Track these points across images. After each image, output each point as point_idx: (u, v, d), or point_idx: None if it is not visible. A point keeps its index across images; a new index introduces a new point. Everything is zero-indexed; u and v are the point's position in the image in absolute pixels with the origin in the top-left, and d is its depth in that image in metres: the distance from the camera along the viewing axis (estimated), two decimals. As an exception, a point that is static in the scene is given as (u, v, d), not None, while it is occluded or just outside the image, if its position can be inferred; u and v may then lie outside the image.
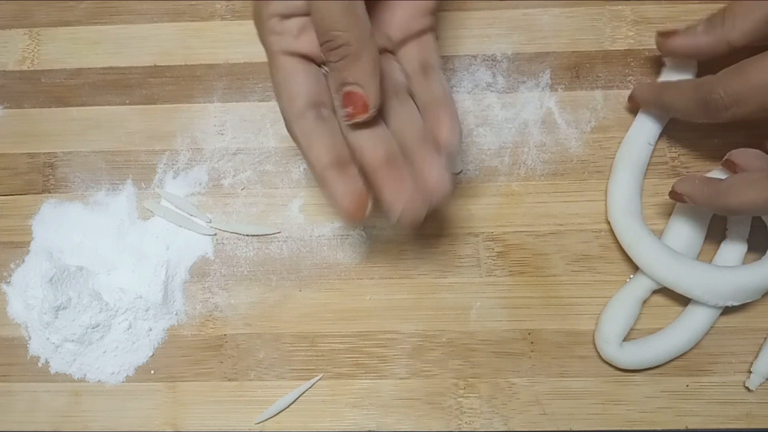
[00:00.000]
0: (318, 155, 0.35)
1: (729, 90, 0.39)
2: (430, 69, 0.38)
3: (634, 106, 0.46)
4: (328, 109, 0.36)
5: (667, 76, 0.46)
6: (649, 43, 0.47)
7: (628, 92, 0.47)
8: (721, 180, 0.40)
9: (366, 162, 0.35)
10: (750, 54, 0.39)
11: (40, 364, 0.45)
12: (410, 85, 0.38)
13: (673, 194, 0.42)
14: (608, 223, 0.45)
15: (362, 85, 0.34)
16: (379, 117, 0.36)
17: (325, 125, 0.36)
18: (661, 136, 0.46)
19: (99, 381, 0.45)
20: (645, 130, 0.45)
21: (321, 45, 0.34)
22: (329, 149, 0.35)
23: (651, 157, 0.46)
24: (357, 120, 0.35)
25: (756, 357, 0.43)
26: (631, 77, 0.47)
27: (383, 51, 0.37)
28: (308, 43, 0.35)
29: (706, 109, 0.40)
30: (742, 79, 0.39)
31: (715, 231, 0.45)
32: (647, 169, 0.46)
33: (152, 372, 0.45)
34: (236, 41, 0.49)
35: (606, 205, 0.45)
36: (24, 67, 0.49)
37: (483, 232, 0.46)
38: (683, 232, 0.44)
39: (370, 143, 0.35)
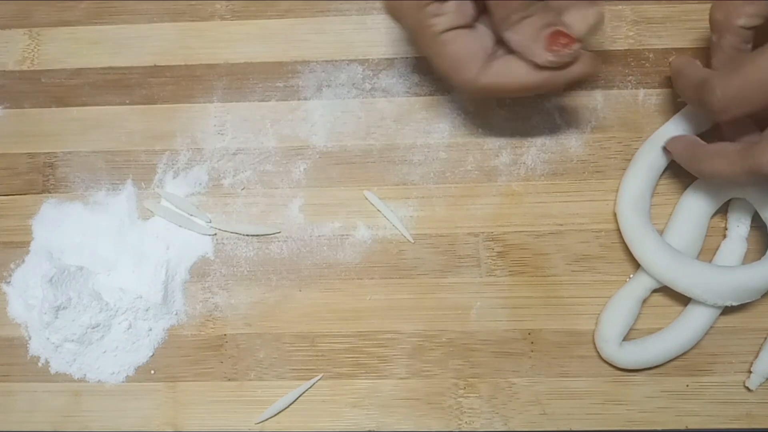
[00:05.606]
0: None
1: None
2: None
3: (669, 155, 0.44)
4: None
5: (678, 122, 0.45)
6: (650, 42, 0.47)
7: (628, 92, 0.47)
8: (705, 145, 0.41)
9: None
10: None
11: (40, 364, 0.45)
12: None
13: (665, 149, 0.43)
14: (608, 222, 0.45)
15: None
16: None
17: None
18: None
19: (99, 381, 0.45)
20: (679, 131, 0.44)
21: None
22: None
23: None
24: (567, 51, 0.38)
25: (756, 357, 0.43)
26: (631, 77, 0.47)
27: None
28: (465, 15, 0.40)
29: (759, 175, 0.37)
30: None
31: (716, 230, 0.45)
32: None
33: (152, 372, 0.45)
34: (236, 41, 0.49)
35: (616, 196, 0.45)
36: (24, 67, 0.49)
37: (483, 232, 0.46)
38: (683, 231, 0.44)
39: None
